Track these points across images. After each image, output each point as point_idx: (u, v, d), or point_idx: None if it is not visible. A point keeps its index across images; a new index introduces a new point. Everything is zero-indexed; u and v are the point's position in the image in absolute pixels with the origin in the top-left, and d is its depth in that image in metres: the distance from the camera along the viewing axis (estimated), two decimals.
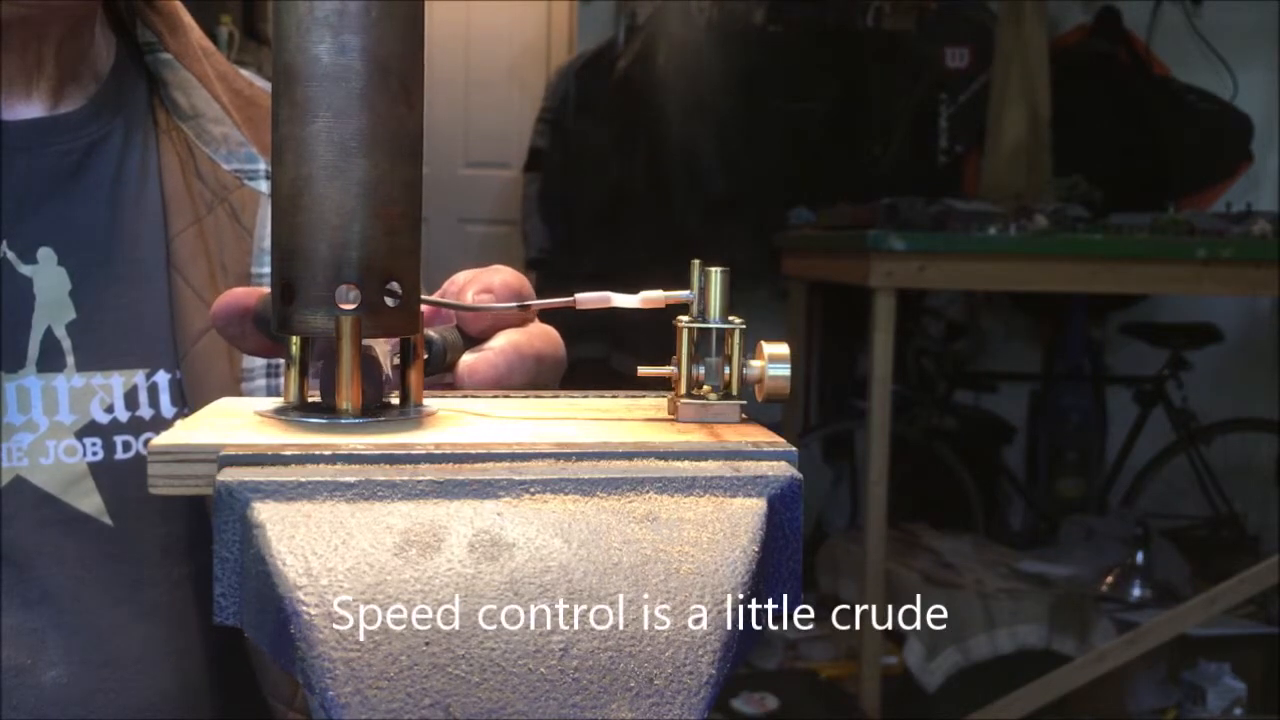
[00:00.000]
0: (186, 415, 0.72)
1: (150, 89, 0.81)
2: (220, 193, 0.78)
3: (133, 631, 0.73)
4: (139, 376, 0.75)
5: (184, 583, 0.75)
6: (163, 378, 0.75)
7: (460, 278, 0.55)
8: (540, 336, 0.55)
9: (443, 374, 0.53)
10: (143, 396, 0.75)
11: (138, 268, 0.76)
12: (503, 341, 0.53)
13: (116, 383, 0.74)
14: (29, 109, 0.75)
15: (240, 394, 0.74)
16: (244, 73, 0.84)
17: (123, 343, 0.75)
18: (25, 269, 0.73)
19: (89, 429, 0.73)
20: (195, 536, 0.75)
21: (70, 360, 0.73)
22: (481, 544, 0.37)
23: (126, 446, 0.74)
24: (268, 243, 0.76)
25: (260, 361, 0.76)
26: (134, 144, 0.78)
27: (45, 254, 0.73)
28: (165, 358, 0.76)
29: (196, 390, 0.74)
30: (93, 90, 0.78)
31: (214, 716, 0.76)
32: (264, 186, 0.78)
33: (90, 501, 0.72)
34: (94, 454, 0.73)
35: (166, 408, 0.75)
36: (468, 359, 0.52)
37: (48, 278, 0.73)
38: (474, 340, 0.54)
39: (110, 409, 0.74)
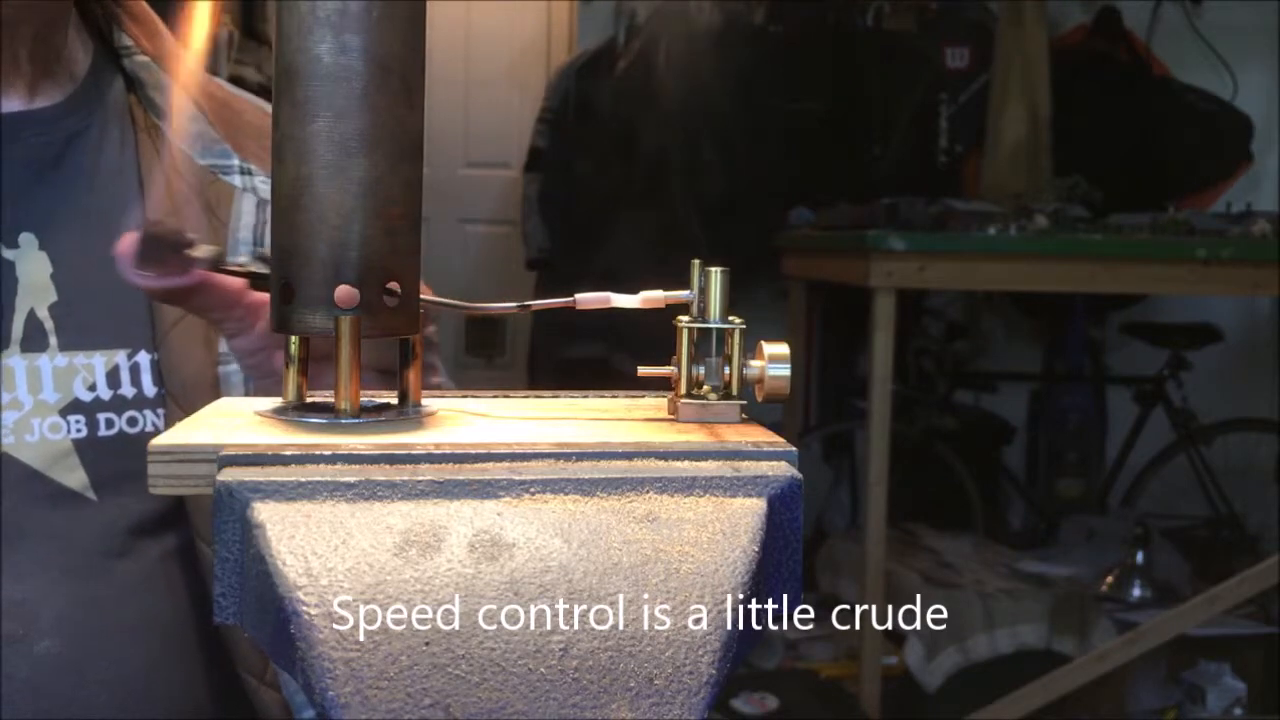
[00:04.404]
0: (165, 395, 0.74)
1: (128, 89, 0.84)
2: (196, 186, 0.81)
3: (121, 603, 0.75)
4: (120, 356, 0.77)
5: (168, 557, 0.77)
6: (144, 358, 0.78)
7: None
8: None
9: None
10: (124, 375, 0.77)
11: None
12: None
13: (98, 362, 0.77)
14: (6, 103, 0.78)
15: (216, 376, 0.77)
16: (217, 80, 0.88)
17: (104, 324, 0.77)
18: (8, 253, 0.75)
19: (72, 407, 0.75)
20: (175, 513, 0.77)
21: (53, 341, 0.76)
22: (481, 544, 0.37)
23: (110, 424, 0.76)
24: (243, 234, 0.80)
25: None
26: (111, 138, 0.81)
27: (27, 239, 0.76)
28: (146, 339, 0.78)
29: (173, 372, 0.77)
30: (70, 89, 0.81)
31: (200, 687, 0.78)
32: (238, 181, 0.82)
33: (75, 477, 0.75)
34: (78, 431, 0.75)
35: (149, 386, 0.78)
36: None
37: (30, 262, 0.76)
38: None
39: (93, 387, 0.76)
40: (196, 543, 0.76)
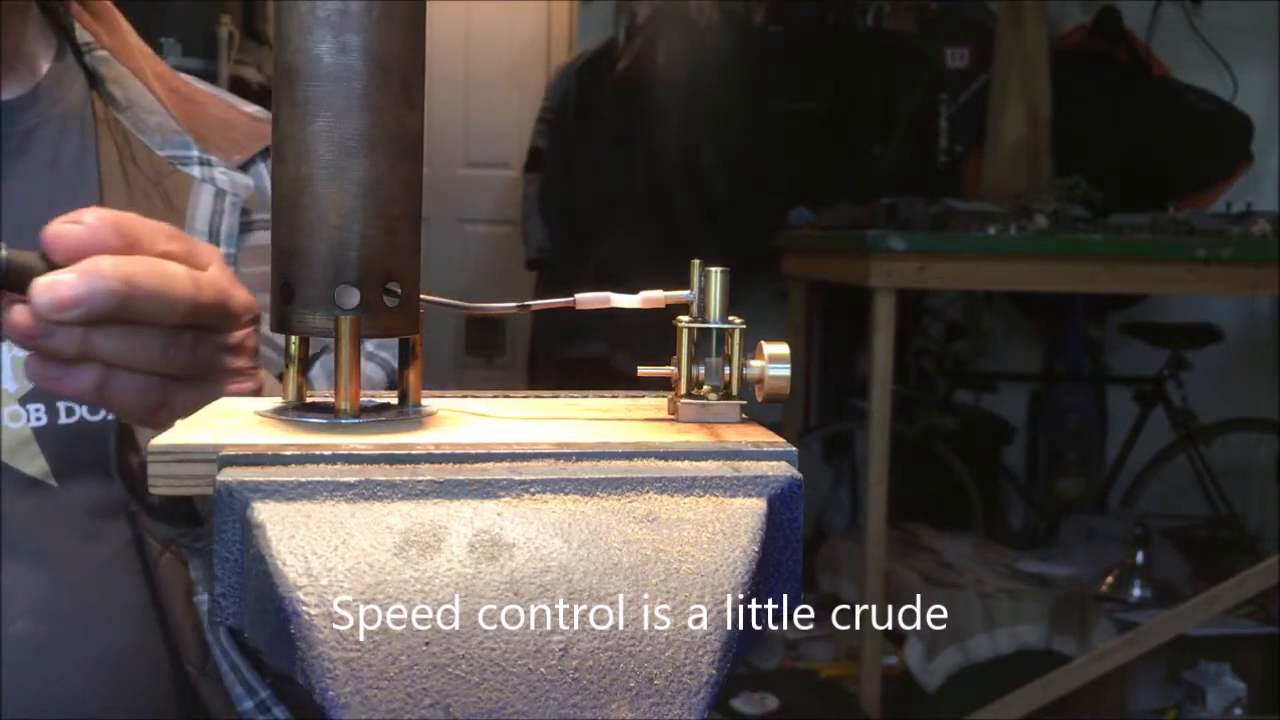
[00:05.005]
0: None
1: (89, 84, 0.85)
2: (155, 178, 0.81)
3: (96, 586, 0.76)
4: None
5: (131, 544, 0.78)
6: None
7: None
8: (138, 263, 0.54)
9: (16, 293, 0.53)
10: None
11: None
12: (87, 263, 0.53)
13: None
14: None
15: None
16: (182, 75, 0.89)
17: None
18: None
19: (32, 395, 0.76)
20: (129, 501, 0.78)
21: None
22: (481, 544, 0.37)
23: (70, 412, 0.77)
24: (199, 224, 0.81)
25: None
26: (71, 131, 0.82)
27: None
28: None
29: None
30: (31, 84, 0.82)
31: (163, 673, 0.79)
32: (196, 171, 0.83)
33: (36, 465, 0.76)
34: (38, 419, 0.76)
35: None
36: (44, 279, 0.52)
37: None
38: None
39: None
40: (144, 535, 0.77)
